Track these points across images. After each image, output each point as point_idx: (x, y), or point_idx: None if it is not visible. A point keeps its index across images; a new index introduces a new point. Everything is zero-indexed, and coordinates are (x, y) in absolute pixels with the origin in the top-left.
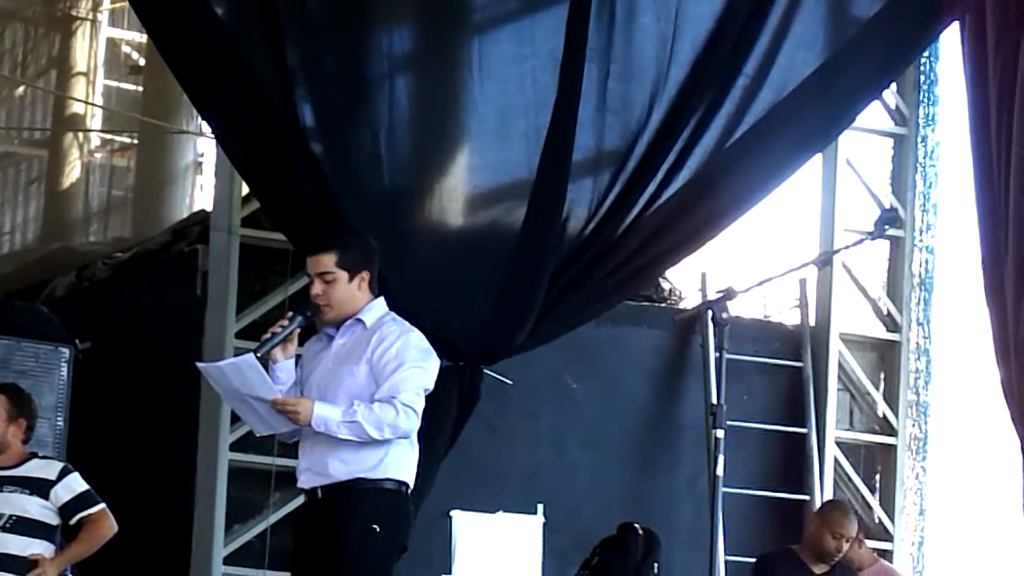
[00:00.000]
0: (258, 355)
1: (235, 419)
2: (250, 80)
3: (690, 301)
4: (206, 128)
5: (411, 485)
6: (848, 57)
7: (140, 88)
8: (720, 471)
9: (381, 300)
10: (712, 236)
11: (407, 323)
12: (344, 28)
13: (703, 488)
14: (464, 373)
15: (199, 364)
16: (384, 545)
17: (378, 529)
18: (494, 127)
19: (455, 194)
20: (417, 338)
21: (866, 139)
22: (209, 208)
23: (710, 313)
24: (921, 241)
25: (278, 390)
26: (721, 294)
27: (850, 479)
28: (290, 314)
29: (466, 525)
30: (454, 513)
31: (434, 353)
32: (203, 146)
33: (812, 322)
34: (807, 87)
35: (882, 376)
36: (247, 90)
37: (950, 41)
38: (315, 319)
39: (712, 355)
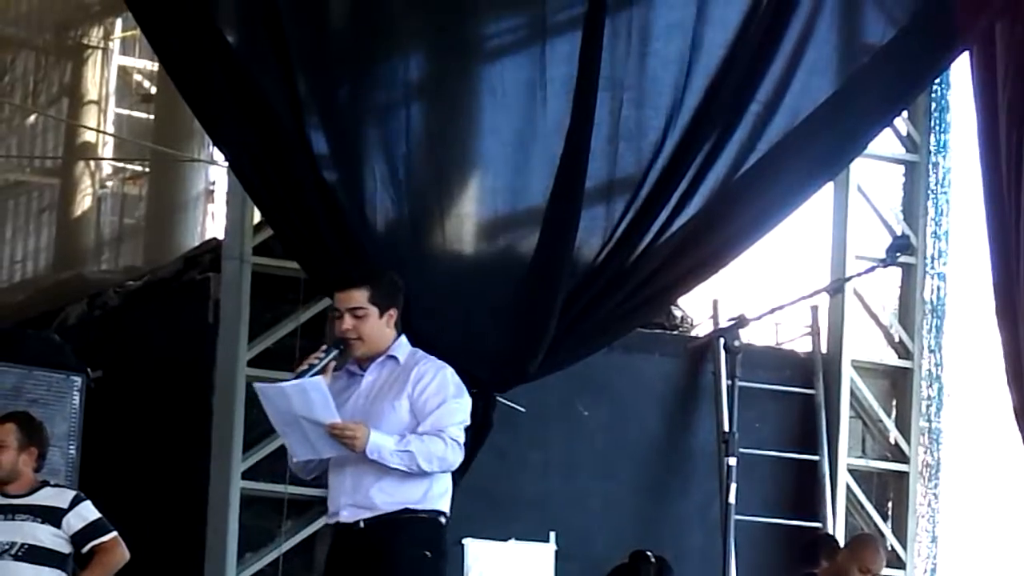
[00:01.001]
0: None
1: (247, 447)
2: (262, 108)
3: (702, 329)
4: (218, 156)
5: (449, 517)
6: (859, 85)
7: (152, 116)
8: (732, 498)
9: (405, 338)
10: (724, 264)
11: (436, 359)
12: (357, 56)
13: (715, 515)
14: (477, 401)
15: (257, 385)
16: (435, 571)
17: (429, 554)
18: (509, 154)
19: (469, 221)
20: (451, 374)
21: (878, 166)
22: (221, 236)
23: (722, 341)
24: (933, 268)
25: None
26: (733, 322)
27: (862, 506)
28: (324, 347)
29: (478, 553)
30: (466, 541)
31: (466, 389)
32: (215, 174)
33: (824, 349)
34: (819, 115)
35: (894, 403)
36: (259, 118)
37: (961, 69)
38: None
39: (724, 382)
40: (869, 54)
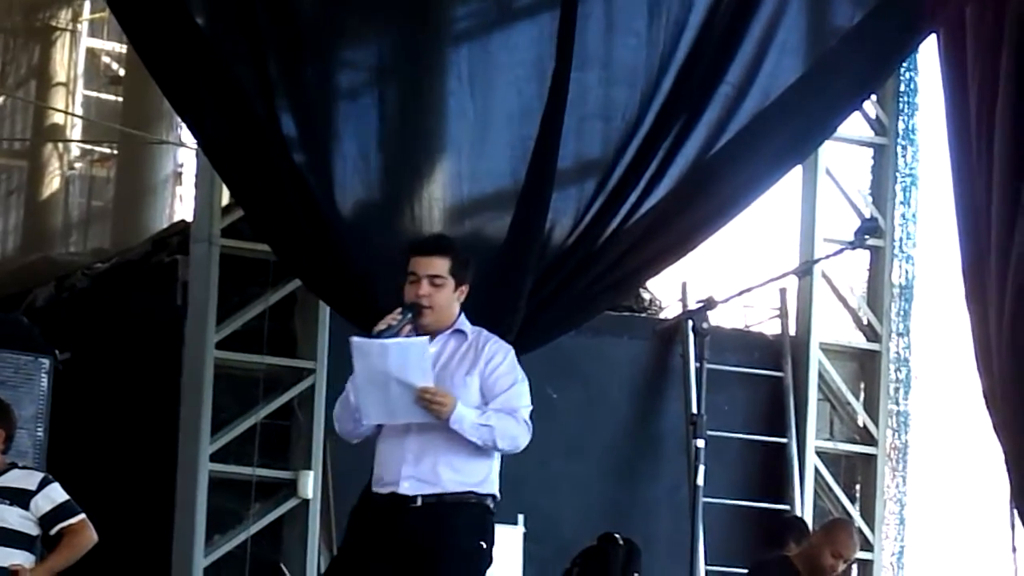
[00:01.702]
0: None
1: (216, 429)
2: (232, 90)
3: (670, 311)
4: (186, 138)
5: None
6: (828, 68)
7: (120, 98)
8: (700, 481)
9: (464, 315)
10: (693, 246)
11: (502, 339)
12: (326, 38)
13: (683, 498)
14: None
15: (356, 339)
16: (487, 563)
17: (484, 546)
18: (479, 136)
19: (439, 203)
20: (514, 356)
21: (846, 149)
22: (189, 219)
23: (690, 323)
24: (901, 251)
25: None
26: (701, 304)
27: (830, 489)
28: (399, 309)
29: None
30: None
31: None
32: (183, 156)
33: (792, 332)
34: (788, 98)
35: (862, 386)
36: (229, 100)
37: (929, 52)
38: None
39: (692, 365)
40: (838, 37)
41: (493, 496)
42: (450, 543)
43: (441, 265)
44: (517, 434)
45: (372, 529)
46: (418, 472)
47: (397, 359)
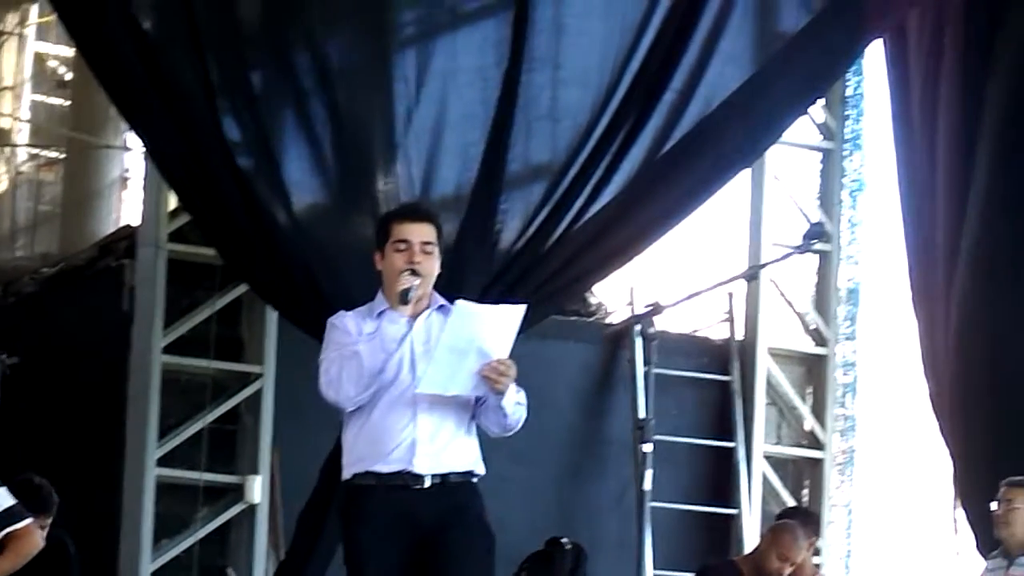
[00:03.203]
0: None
1: (163, 434)
2: (177, 94)
3: (618, 315)
4: (133, 143)
5: None
6: (775, 72)
7: (67, 103)
8: (648, 485)
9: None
10: (640, 250)
11: None
12: (270, 43)
13: (631, 502)
14: None
15: (460, 301)
16: (493, 541)
17: (489, 524)
18: (424, 141)
19: (385, 208)
20: None
21: (794, 153)
22: (136, 223)
23: (638, 327)
24: (848, 256)
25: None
26: (649, 308)
27: (778, 493)
28: (407, 273)
29: None
30: None
31: None
32: (130, 161)
33: (740, 336)
34: (735, 102)
35: (810, 390)
36: (175, 104)
37: (876, 57)
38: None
39: (640, 369)
40: (784, 42)
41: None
42: (470, 516)
43: (430, 232)
44: (520, 418)
45: (378, 509)
46: (433, 450)
47: (490, 324)
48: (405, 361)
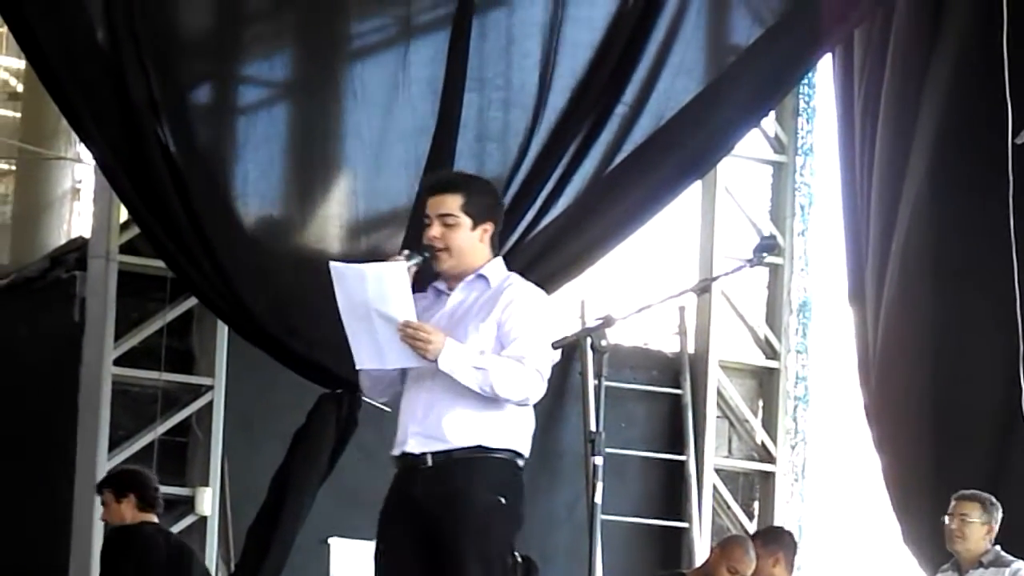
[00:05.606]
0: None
1: (113, 445)
2: (125, 106)
3: (568, 328)
4: (84, 154)
5: (526, 458)
6: (726, 85)
7: (18, 114)
8: (599, 498)
9: (501, 261)
10: (591, 263)
11: (534, 285)
12: (218, 54)
13: (582, 515)
14: (341, 400)
15: (334, 264)
16: (509, 517)
17: (503, 500)
18: (374, 154)
19: (334, 221)
20: (547, 304)
21: (745, 166)
22: (87, 235)
23: (589, 340)
24: (800, 269)
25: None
26: (600, 321)
27: (728, 506)
28: (406, 252)
29: (343, 552)
30: (331, 540)
31: (558, 323)
32: (81, 173)
33: (691, 349)
34: (686, 114)
35: (760, 403)
36: (123, 116)
37: (827, 72)
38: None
39: (591, 382)
40: (735, 55)
41: (513, 452)
42: (467, 496)
43: (452, 203)
44: (522, 383)
45: (391, 502)
46: (425, 427)
47: (374, 287)
48: None
